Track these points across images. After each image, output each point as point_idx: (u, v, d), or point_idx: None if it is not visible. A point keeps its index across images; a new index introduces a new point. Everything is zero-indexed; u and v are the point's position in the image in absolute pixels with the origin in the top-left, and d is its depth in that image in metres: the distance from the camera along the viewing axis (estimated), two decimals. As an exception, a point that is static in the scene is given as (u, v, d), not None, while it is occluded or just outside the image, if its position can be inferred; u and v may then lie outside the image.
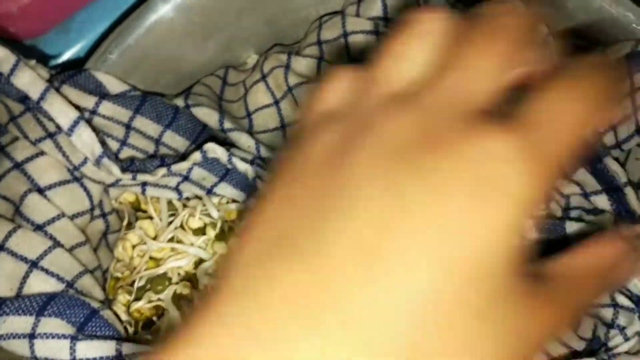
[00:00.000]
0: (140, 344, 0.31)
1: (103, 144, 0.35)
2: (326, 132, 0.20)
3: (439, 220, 0.16)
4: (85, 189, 0.36)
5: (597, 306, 0.32)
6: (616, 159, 0.36)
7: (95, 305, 0.33)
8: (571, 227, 0.33)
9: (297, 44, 0.43)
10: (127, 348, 0.30)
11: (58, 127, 0.34)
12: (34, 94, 0.34)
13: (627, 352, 0.32)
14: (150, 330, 0.35)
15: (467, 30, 0.19)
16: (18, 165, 0.35)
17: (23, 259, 0.32)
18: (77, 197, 0.36)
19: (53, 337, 0.31)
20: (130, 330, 0.36)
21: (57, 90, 0.35)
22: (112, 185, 0.36)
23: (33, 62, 0.35)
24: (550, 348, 0.34)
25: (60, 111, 0.34)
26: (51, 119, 0.34)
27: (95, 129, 0.34)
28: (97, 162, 0.34)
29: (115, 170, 0.35)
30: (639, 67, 0.35)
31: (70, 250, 0.34)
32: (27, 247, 0.32)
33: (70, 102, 0.34)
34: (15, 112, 0.35)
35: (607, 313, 0.32)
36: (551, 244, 0.34)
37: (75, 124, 0.34)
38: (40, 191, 0.35)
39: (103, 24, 0.43)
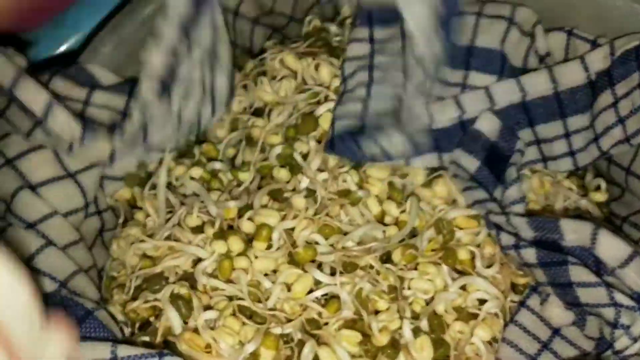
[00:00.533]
0: (136, 345, 0.30)
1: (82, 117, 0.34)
2: None
3: None
4: (79, 185, 0.35)
5: (598, 306, 0.31)
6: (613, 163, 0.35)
7: (89, 305, 0.32)
8: (566, 224, 0.32)
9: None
10: (122, 350, 0.29)
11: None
12: (6, 81, 0.33)
13: (637, 354, 0.31)
14: (147, 331, 0.34)
15: None
16: (9, 162, 0.34)
17: (14, 258, 0.31)
18: (71, 194, 0.35)
19: (45, 339, 0.30)
20: (127, 331, 0.35)
21: (39, 80, 0.34)
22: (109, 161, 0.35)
23: (10, 50, 0.34)
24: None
25: (32, 97, 0.33)
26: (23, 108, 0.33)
27: (88, 120, 0.34)
28: (82, 141, 0.33)
29: (103, 136, 0.34)
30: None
31: (64, 249, 0.34)
32: (18, 246, 0.32)
33: (60, 95, 0.33)
34: (1, 106, 0.34)
35: (609, 313, 0.31)
36: (546, 243, 0.33)
37: (48, 107, 0.33)
38: (33, 188, 0.34)
39: (96, 17, 0.42)
